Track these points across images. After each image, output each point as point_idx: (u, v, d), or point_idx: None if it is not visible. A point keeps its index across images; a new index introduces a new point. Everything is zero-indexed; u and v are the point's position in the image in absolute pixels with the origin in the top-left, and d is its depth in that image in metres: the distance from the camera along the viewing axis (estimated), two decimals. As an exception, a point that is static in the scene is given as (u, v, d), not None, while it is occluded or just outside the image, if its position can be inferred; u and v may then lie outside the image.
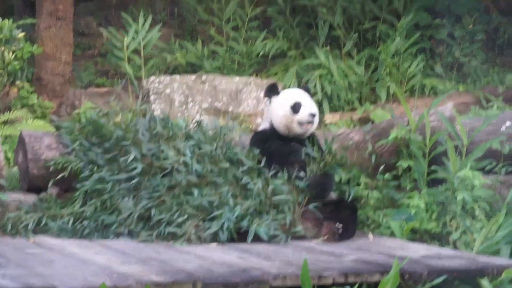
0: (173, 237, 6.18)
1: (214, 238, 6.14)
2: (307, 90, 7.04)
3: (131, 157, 6.67)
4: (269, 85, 7.02)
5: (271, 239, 6.16)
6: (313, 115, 6.75)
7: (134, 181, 6.59)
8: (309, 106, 6.79)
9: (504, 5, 13.03)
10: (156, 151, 6.71)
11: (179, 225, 6.21)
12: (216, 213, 6.22)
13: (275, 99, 6.91)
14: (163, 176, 6.58)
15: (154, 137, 6.86)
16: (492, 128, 7.57)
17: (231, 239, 6.14)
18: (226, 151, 6.76)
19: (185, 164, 6.60)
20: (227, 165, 6.61)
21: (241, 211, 6.21)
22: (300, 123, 6.76)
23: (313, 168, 6.62)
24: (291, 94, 6.92)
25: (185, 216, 6.24)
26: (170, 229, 6.21)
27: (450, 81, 11.43)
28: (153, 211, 6.36)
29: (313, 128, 6.87)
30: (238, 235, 6.17)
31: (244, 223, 6.17)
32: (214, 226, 6.15)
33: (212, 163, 6.63)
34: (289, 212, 6.33)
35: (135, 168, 6.62)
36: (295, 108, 6.78)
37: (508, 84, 11.07)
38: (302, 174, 6.54)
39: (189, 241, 6.11)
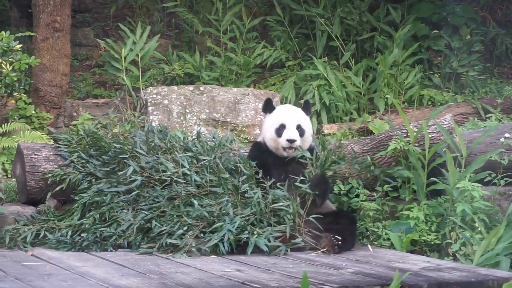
0: (174, 249, 6.15)
1: (215, 250, 6.11)
2: (306, 105, 6.93)
3: (130, 170, 6.64)
4: (265, 100, 6.94)
5: (271, 250, 6.13)
6: (291, 141, 6.62)
7: (133, 193, 6.56)
8: (291, 130, 6.67)
9: (501, 16, 13.05)
10: (154, 163, 6.68)
11: (180, 237, 6.18)
12: (216, 225, 6.18)
13: (268, 117, 6.85)
14: (163, 188, 6.56)
15: (152, 150, 6.84)
16: (491, 139, 7.56)
17: (230, 251, 6.11)
18: (225, 161, 6.73)
19: (184, 175, 6.58)
20: (226, 175, 6.58)
21: (241, 221, 6.17)
22: (283, 148, 6.70)
23: (311, 170, 6.57)
24: (279, 114, 6.79)
25: (185, 228, 6.21)
26: (171, 240, 6.18)
27: (448, 92, 11.43)
28: (153, 223, 6.33)
29: (305, 145, 6.74)
30: (238, 247, 6.14)
31: (244, 235, 6.13)
32: (215, 238, 6.12)
33: (211, 174, 6.61)
34: (289, 222, 6.28)
35: (134, 181, 6.59)
36: (279, 131, 6.71)
37: (506, 95, 11.07)
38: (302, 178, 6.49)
39: (189, 253, 6.08)
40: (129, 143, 6.92)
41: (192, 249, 6.09)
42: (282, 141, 6.64)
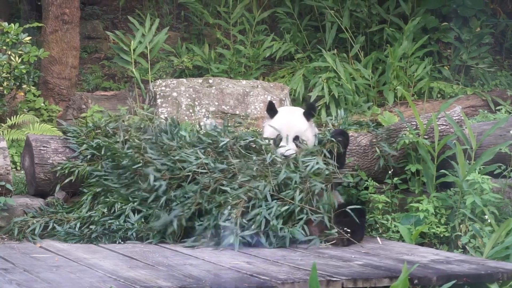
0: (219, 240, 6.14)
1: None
2: (309, 108, 6.81)
3: (152, 178, 6.52)
4: (268, 103, 6.85)
5: (305, 242, 6.14)
6: (285, 156, 6.50)
7: (162, 199, 6.44)
8: (288, 144, 6.56)
9: (512, 8, 13.00)
10: (171, 164, 6.58)
11: (226, 219, 6.10)
12: (255, 211, 6.12)
13: (268, 124, 6.76)
14: (188, 183, 6.47)
15: (163, 151, 6.73)
16: (501, 132, 7.53)
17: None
18: (238, 140, 6.66)
19: (206, 165, 6.49)
20: (252, 154, 6.50)
21: (278, 206, 6.13)
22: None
23: (331, 128, 6.91)
24: (278, 123, 6.68)
25: (229, 207, 6.13)
26: (223, 223, 6.09)
27: (457, 84, 11.40)
28: (195, 224, 6.28)
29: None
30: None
31: (280, 226, 6.11)
32: (253, 229, 6.09)
33: (234, 155, 6.52)
34: (325, 213, 6.24)
35: (159, 187, 6.50)
36: (276, 142, 6.63)
37: (516, 87, 11.06)
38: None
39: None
40: (139, 147, 6.79)
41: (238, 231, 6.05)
42: (278, 153, 6.57)
